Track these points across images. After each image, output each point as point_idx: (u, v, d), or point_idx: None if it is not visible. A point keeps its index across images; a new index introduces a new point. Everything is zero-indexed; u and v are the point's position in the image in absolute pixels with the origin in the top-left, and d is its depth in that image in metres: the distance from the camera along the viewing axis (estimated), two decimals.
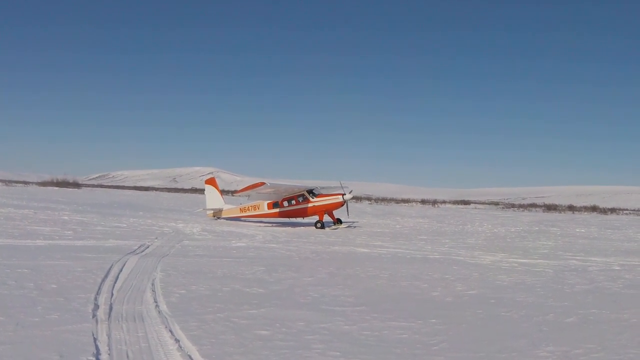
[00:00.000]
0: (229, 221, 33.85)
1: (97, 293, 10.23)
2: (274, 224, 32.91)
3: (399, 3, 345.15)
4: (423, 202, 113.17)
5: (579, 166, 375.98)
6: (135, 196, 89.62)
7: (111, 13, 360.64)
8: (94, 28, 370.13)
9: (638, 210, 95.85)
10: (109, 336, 7.54)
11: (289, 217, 33.60)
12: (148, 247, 18.11)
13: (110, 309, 9.09)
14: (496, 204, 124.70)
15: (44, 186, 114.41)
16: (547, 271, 16.06)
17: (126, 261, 14.36)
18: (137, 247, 17.64)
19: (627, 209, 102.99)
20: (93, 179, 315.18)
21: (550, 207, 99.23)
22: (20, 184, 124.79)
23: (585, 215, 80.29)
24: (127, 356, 6.80)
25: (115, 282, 11.38)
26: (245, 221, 34.20)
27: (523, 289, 12.72)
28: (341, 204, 31.89)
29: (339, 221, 32.69)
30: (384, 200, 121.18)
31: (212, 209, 35.68)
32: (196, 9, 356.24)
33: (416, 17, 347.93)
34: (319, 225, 30.92)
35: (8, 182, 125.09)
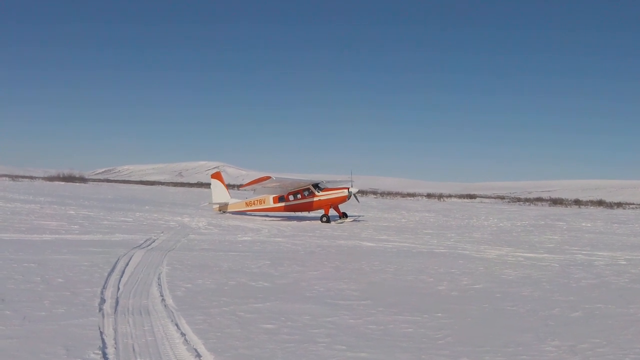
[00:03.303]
0: (234, 215, 33.91)
1: (104, 287, 10.26)
2: (279, 218, 32.94)
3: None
4: (429, 196, 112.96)
5: (586, 160, 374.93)
6: (141, 190, 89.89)
7: (117, 9, 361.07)
8: (99, 25, 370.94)
9: None
10: (115, 330, 7.56)
11: (294, 211, 33.63)
12: (154, 241, 18.16)
13: (117, 303, 9.12)
14: (502, 198, 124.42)
15: (50, 181, 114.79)
16: (553, 265, 16.01)
17: (132, 255, 14.41)
18: (143, 241, 17.69)
19: (633, 203, 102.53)
20: (99, 173, 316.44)
21: (556, 202, 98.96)
22: (27, 179, 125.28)
23: (592, 209, 79.98)
24: (134, 350, 6.82)
25: (121, 276, 11.41)
26: (251, 215, 34.26)
27: (529, 284, 12.69)
28: (347, 198, 31.90)
29: (344, 215, 32.71)
30: (389, 194, 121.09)
31: (218, 203, 35.76)
32: (203, 6, 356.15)
33: (423, 12, 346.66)
34: (324, 219, 30.92)
35: (14, 177, 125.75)
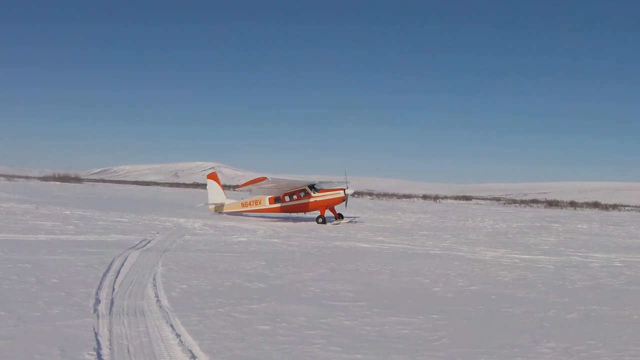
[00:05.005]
0: (230, 216, 33.88)
1: (99, 288, 10.23)
2: (275, 219, 32.91)
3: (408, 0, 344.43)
4: (424, 197, 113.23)
5: (581, 162, 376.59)
6: (137, 191, 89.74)
7: (113, 9, 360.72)
8: (95, 25, 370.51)
9: None
10: (110, 331, 7.54)
11: (290, 212, 33.63)
12: (149, 241, 18.11)
13: (112, 303, 9.09)
14: (498, 199, 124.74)
15: (45, 181, 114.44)
16: (549, 267, 16.04)
17: (128, 256, 14.37)
18: (138, 242, 17.65)
19: (628, 205, 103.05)
20: (95, 173, 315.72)
21: (552, 203, 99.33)
22: (22, 179, 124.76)
23: (587, 211, 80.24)
24: (128, 351, 6.80)
25: (116, 277, 11.38)
26: (246, 216, 34.23)
27: (524, 285, 12.71)
28: (342, 199, 31.89)
29: (340, 216, 32.69)
30: (385, 195, 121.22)
31: (213, 204, 35.75)
32: (202, 6, 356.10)
33: (423, 12, 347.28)
34: (320, 220, 30.92)
35: (10, 177, 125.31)
